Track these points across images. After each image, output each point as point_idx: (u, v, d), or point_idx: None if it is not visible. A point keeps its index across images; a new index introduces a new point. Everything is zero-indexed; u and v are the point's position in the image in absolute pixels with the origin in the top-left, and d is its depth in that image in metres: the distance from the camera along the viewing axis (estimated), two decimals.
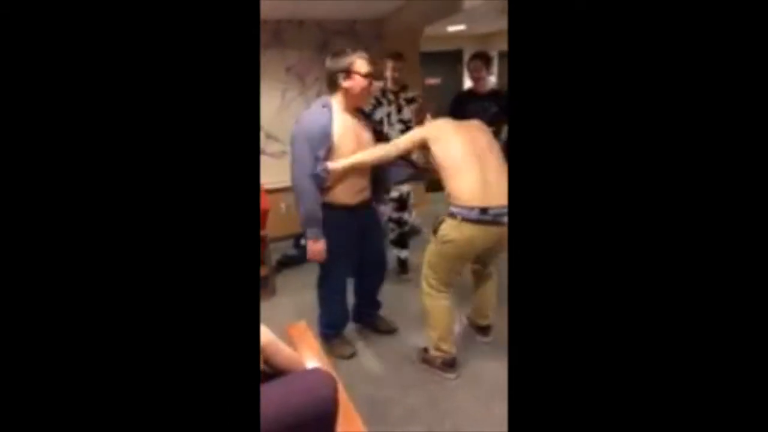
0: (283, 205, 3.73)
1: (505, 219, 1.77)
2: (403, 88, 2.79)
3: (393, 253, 2.98)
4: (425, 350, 2.08)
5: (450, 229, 1.80)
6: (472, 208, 1.75)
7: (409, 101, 2.76)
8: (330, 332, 2.22)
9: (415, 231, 3.00)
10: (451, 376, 1.99)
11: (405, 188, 2.89)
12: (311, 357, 1.49)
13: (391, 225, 2.96)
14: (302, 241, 3.76)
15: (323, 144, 1.82)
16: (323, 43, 3.89)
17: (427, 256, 1.95)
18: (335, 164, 1.87)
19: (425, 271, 1.97)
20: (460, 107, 2.82)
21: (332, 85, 1.87)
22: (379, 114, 2.70)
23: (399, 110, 2.73)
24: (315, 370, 1.11)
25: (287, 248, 3.53)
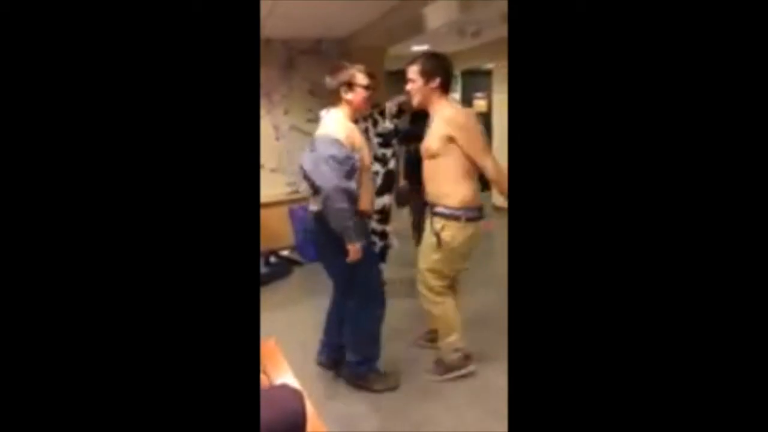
0: None
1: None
2: (376, 105, 2.87)
3: None
4: (438, 361, 2.08)
5: (455, 231, 1.86)
6: (473, 209, 1.87)
7: (381, 113, 2.83)
8: (371, 365, 2.05)
9: (387, 245, 3.00)
10: (473, 367, 2.05)
11: (386, 200, 2.89)
12: (280, 375, 1.48)
13: (374, 237, 2.94)
14: (272, 259, 3.74)
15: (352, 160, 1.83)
16: (289, 61, 3.92)
17: (429, 264, 1.96)
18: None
19: (430, 281, 1.97)
20: (421, 121, 2.91)
21: (336, 100, 1.95)
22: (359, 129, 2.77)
23: (375, 124, 2.80)
24: (282, 386, 1.12)
25: None
